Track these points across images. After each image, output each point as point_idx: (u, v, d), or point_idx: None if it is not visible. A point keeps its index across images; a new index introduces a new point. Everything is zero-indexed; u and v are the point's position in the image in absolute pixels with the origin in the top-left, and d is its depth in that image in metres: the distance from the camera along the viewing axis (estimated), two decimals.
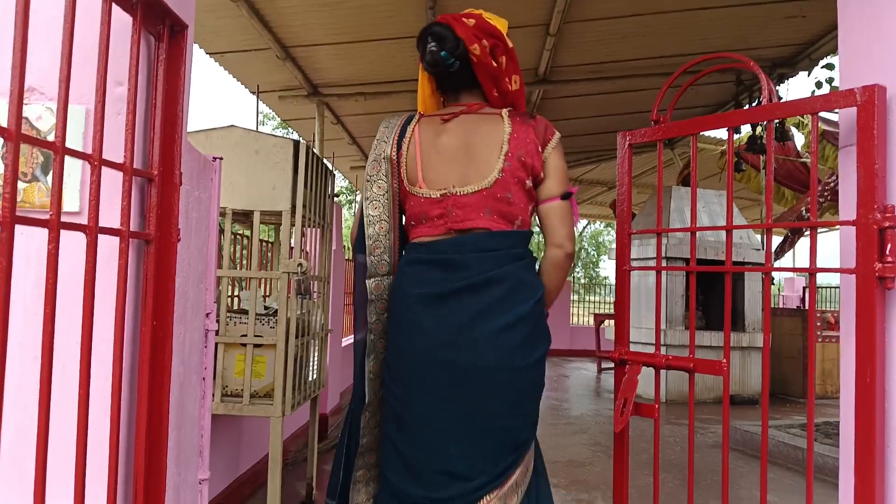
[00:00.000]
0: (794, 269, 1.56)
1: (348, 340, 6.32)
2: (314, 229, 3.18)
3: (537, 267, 1.77)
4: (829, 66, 5.67)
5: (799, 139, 8.73)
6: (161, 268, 1.12)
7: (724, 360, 1.63)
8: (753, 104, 5.73)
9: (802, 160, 9.16)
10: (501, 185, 1.67)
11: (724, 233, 7.00)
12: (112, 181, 1.01)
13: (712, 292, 7.74)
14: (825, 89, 5.73)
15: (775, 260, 7.89)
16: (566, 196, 1.73)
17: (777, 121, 5.87)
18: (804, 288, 15.26)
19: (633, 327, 7.38)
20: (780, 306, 13.42)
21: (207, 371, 1.46)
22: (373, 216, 1.78)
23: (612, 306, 13.12)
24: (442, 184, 1.71)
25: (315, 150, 2.96)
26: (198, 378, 1.40)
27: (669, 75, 5.75)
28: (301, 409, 3.93)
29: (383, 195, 1.78)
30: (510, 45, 1.77)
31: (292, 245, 2.99)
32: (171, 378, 1.14)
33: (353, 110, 6.01)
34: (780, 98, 5.66)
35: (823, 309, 9.39)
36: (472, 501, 1.58)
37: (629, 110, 6.78)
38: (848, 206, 1.43)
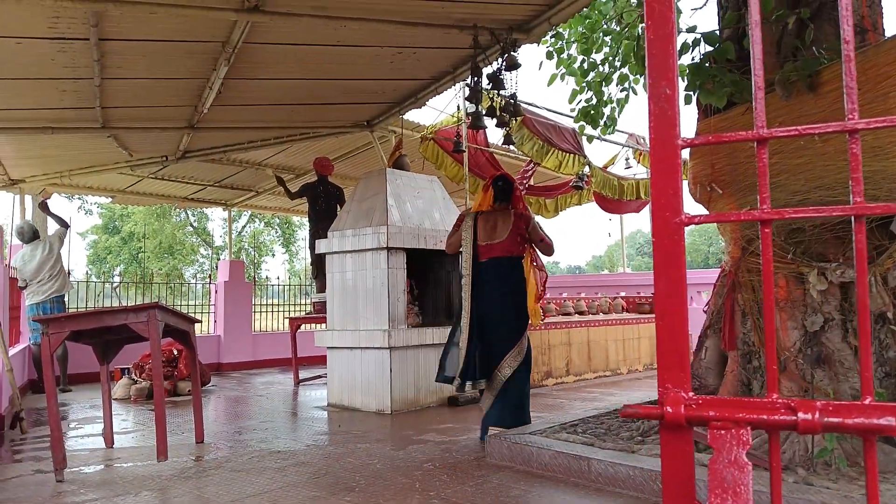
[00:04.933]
0: None
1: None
2: None
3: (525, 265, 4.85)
4: (559, 36, 5.35)
5: (496, 131, 8.68)
6: None
7: None
8: (490, 67, 5.14)
9: (491, 150, 9.18)
10: (508, 240, 4.59)
11: (442, 222, 6.35)
12: None
13: (427, 286, 7.12)
14: (554, 61, 5.40)
15: None
16: (539, 241, 4.78)
17: (481, 105, 5.35)
18: None
19: (350, 330, 6.36)
20: None
21: None
22: (463, 251, 4.70)
23: (302, 308, 11.91)
24: (486, 239, 4.61)
25: None
26: None
27: (411, 26, 4.86)
28: None
29: (468, 242, 4.66)
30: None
31: None
32: None
33: None
34: (519, 65, 5.18)
35: None
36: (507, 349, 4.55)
37: (350, 74, 5.71)
38: None
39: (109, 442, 4.76)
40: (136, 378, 7.36)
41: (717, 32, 3.96)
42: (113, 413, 5.14)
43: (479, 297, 4.61)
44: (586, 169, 8.97)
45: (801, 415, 0.86)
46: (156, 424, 4.14)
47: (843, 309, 3.41)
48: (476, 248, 4.63)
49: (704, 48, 3.71)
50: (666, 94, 0.96)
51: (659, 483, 3.40)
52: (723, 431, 0.90)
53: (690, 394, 0.94)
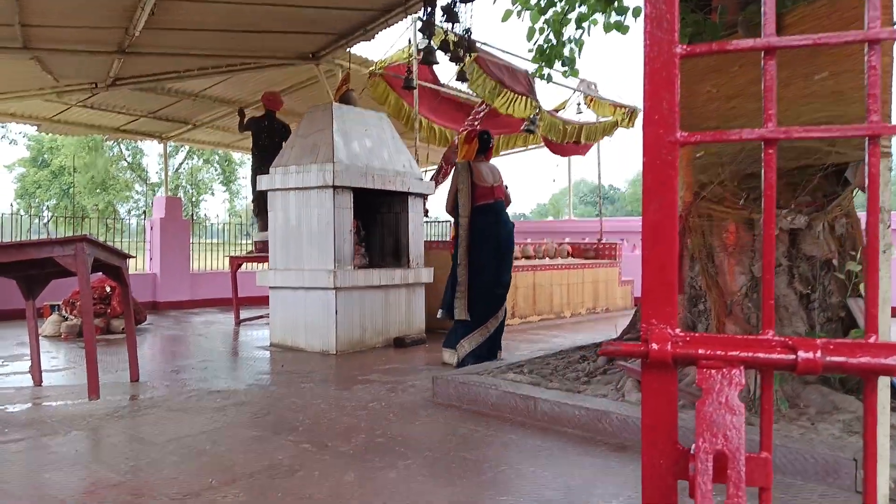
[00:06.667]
0: None
1: None
2: None
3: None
4: None
5: (446, 70, 8.40)
6: None
7: None
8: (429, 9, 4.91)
9: (439, 89, 8.93)
10: (501, 185, 5.31)
11: (391, 161, 6.20)
12: None
13: (374, 227, 6.97)
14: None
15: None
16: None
17: (433, 40, 5.13)
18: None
19: (294, 270, 6.18)
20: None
21: None
22: (461, 194, 5.14)
23: (243, 248, 11.59)
24: (491, 182, 5.19)
25: None
26: None
27: None
28: None
29: (466, 187, 5.11)
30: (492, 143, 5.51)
31: None
32: None
33: None
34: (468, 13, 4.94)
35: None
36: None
37: (295, 1, 5.38)
38: None
39: (37, 380, 4.54)
40: (66, 315, 7.05)
41: None
42: (42, 350, 4.89)
43: (489, 236, 5.10)
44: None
45: (801, 353, 0.78)
46: (86, 362, 3.95)
47: (790, 255, 3.45)
48: (475, 190, 5.11)
49: None
50: None
51: (604, 422, 3.43)
52: (713, 371, 0.82)
53: (677, 330, 0.86)
